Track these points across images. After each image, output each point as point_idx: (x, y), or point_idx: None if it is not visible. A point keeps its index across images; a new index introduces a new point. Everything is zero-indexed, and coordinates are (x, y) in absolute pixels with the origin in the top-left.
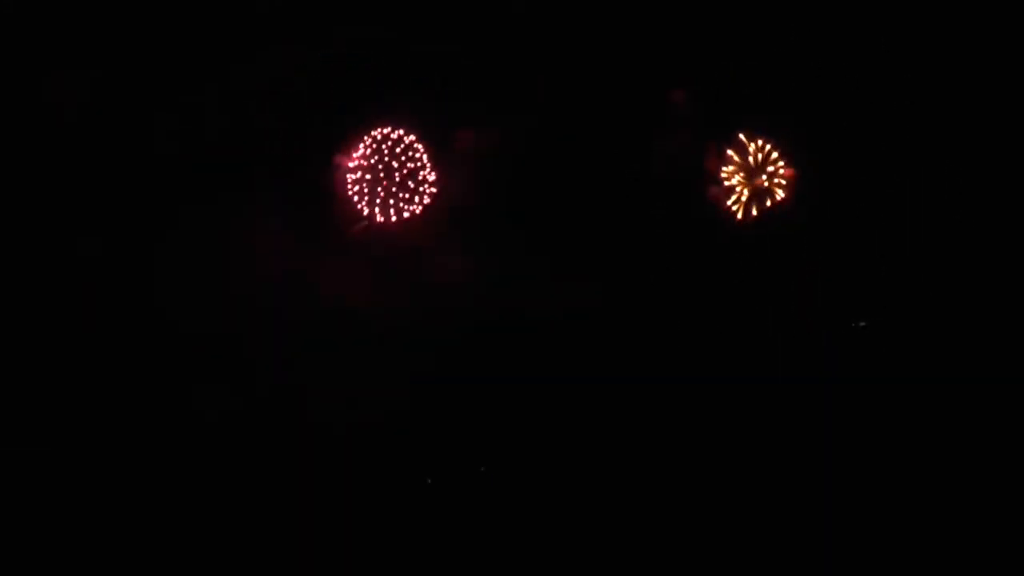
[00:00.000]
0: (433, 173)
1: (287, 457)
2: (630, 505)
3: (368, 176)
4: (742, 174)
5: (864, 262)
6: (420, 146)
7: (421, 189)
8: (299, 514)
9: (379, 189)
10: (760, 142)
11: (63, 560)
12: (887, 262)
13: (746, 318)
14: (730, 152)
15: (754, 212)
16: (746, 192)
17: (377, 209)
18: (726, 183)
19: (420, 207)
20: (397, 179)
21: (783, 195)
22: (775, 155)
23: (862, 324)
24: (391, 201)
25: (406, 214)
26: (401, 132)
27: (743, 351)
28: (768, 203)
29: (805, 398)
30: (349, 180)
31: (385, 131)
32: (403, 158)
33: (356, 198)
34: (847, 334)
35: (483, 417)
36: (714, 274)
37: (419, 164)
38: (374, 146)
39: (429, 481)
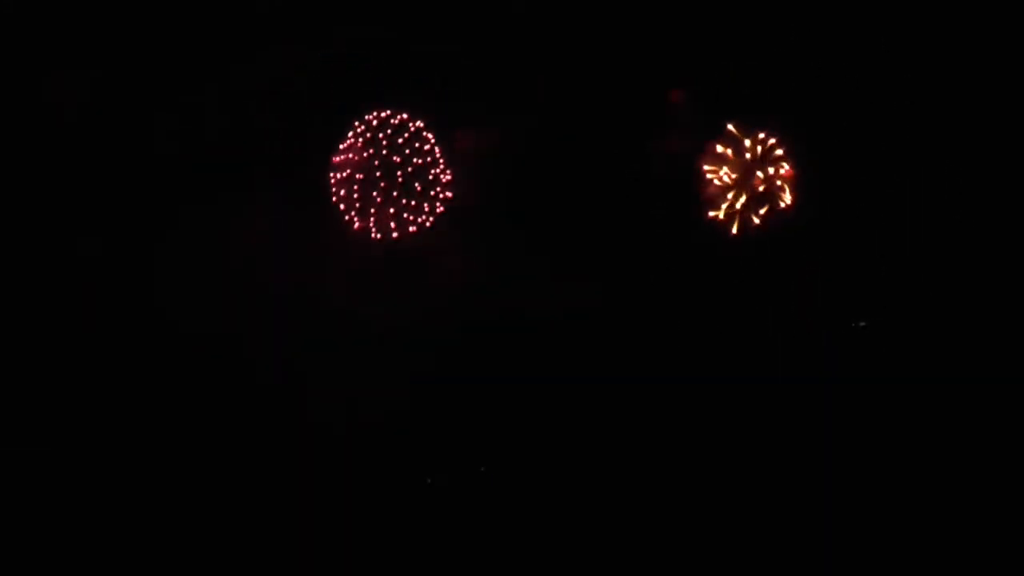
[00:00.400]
0: (448, 172)
1: (287, 457)
2: (630, 506)
3: (360, 176)
4: (735, 175)
5: (864, 262)
6: (430, 135)
7: (433, 193)
8: (299, 514)
9: (375, 194)
10: (762, 136)
11: (63, 560)
12: (887, 262)
13: (746, 318)
14: (720, 149)
15: (756, 220)
16: (742, 198)
17: (372, 221)
18: (716, 184)
19: (432, 218)
20: (400, 180)
21: (789, 200)
22: (777, 152)
23: (862, 324)
24: (392, 210)
25: (412, 228)
26: (405, 116)
27: (743, 351)
28: (764, 211)
29: (805, 398)
30: (333, 180)
31: (383, 114)
32: (407, 151)
33: (344, 206)
34: (847, 334)
35: (483, 417)
36: (714, 274)
37: (429, 160)
38: (368, 135)
39: (429, 481)
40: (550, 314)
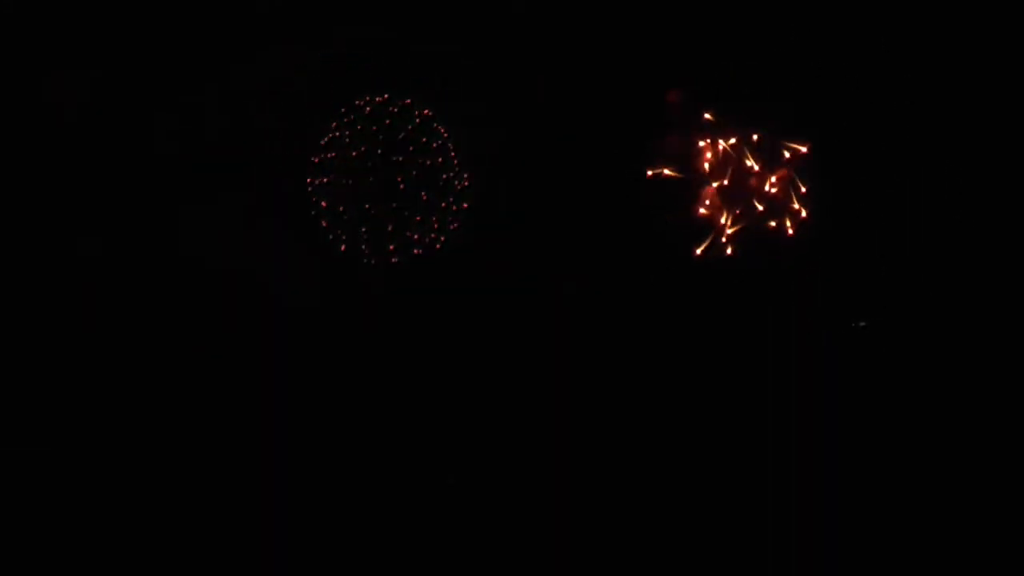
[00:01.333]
0: (465, 176)
1: (287, 457)
2: (627, 509)
3: (348, 181)
4: (729, 181)
5: (864, 262)
6: (442, 129)
7: (444, 205)
8: (298, 515)
9: (368, 206)
10: (756, 138)
11: (63, 560)
12: (887, 262)
13: (745, 318)
14: (711, 153)
15: (778, 225)
16: (729, 222)
17: (365, 241)
18: (710, 190)
19: (442, 239)
20: (402, 186)
21: (803, 214)
22: (783, 155)
23: (862, 324)
24: (391, 228)
25: (417, 251)
26: (408, 101)
27: (742, 351)
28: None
29: (805, 399)
30: (311, 186)
31: (378, 99)
32: (412, 148)
33: (326, 221)
34: (847, 334)
35: (482, 417)
36: (713, 273)
37: (441, 160)
38: (359, 127)
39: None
40: (549, 314)
